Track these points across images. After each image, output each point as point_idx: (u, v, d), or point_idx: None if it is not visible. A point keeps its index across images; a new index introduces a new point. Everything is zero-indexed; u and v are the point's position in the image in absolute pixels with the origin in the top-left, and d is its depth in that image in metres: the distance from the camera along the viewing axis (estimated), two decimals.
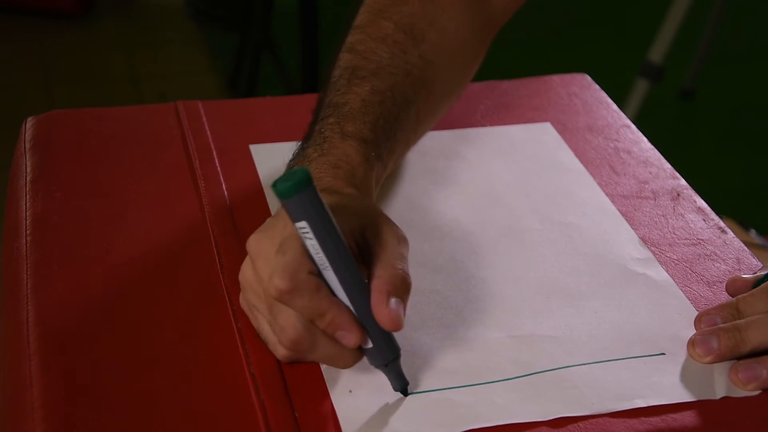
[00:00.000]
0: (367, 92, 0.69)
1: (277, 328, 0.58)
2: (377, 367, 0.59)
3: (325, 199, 0.57)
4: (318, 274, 0.57)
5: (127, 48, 2.57)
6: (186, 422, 0.56)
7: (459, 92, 0.81)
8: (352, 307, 0.58)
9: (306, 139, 0.69)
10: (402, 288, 0.58)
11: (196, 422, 0.56)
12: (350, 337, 0.57)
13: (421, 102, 0.73)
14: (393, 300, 0.57)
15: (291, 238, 0.57)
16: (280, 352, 0.60)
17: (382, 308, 0.57)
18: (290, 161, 0.68)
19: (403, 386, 0.59)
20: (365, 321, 0.58)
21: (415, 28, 0.74)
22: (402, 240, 0.60)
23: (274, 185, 0.55)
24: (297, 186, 0.55)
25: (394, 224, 0.61)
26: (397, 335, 0.59)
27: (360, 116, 0.68)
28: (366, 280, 0.58)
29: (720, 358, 0.62)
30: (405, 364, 0.60)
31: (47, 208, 0.72)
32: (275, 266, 0.56)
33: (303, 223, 0.56)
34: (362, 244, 0.60)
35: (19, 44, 2.53)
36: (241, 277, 0.62)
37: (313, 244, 0.56)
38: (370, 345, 0.58)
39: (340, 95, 0.70)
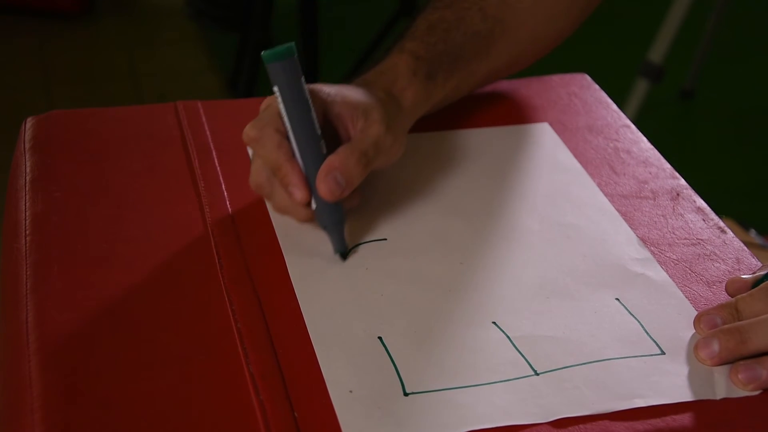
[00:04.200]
0: (436, 19, 0.78)
1: (252, 169, 0.70)
2: (321, 226, 0.69)
3: (335, 90, 0.70)
4: (285, 136, 0.68)
5: (127, 48, 2.57)
6: (186, 422, 0.56)
7: (554, 38, 0.86)
8: (305, 171, 0.68)
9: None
10: (348, 169, 0.67)
11: (196, 422, 0.56)
12: (297, 194, 0.67)
13: (495, 38, 0.81)
14: (335, 175, 0.67)
15: (274, 100, 0.69)
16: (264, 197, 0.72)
17: (321, 179, 0.67)
18: None
19: (341, 249, 0.69)
20: (315, 186, 0.67)
21: None
22: (376, 138, 0.69)
23: (263, 53, 0.67)
24: (276, 55, 0.66)
25: (383, 126, 0.70)
26: (400, 335, 0.60)
27: (420, 37, 0.77)
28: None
29: (722, 361, 0.62)
30: (406, 362, 0.60)
31: (47, 208, 0.72)
32: (256, 118, 0.69)
33: (275, 88, 0.67)
34: (345, 130, 0.70)
35: (19, 44, 2.53)
36: None
37: (281, 107, 0.67)
38: (315, 205, 0.68)
39: (413, 21, 0.79)
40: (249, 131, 0.68)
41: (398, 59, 0.75)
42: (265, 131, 0.67)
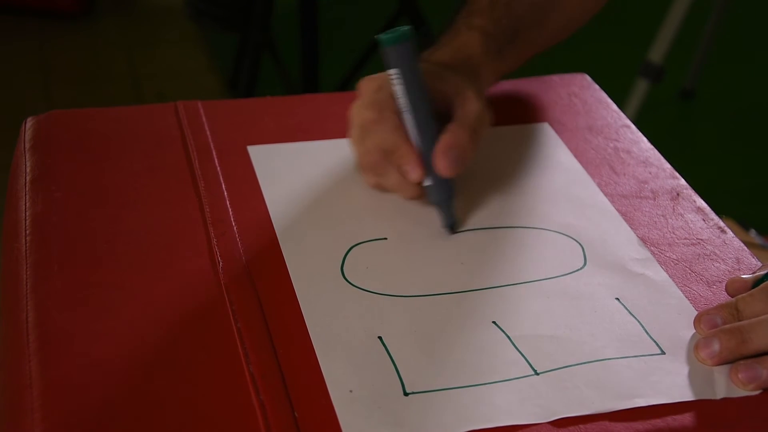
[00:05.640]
0: None
1: (363, 150, 0.72)
2: (432, 202, 0.72)
3: (433, 68, 0.73)
4: (400, 116, 0.71)
5: (127, 48, 2.57)
6: (186, 422, 0.56)
7: (590, 11, 0.89)
8: (420, 149, 0.71)
9: (445, 34, 0.80)
10: (463, 145, 0.71)
11: (196, 422, 0.56)
12: (412, 173, 0.71)
13: (550, 7, 0.84)
14: (452, 152, 0.70)
15: (387, 82, 0.72)
16: (367, 179, 0.74)
17: (441, 156, 0.70)
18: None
19: (450, 223, 0.72)
20: (429, 163, 0.71)
21: None
22: (479, 113, 0.73)
23: (380, 36, 0.69)
24: (395, 39, 0.69)
25: (481, 102, 0.73)
26: (400, 335, 0.60)
27: (487, 13, 0.79)
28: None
29: (722, 361, 0.62)
30: (406, 362, 0.60)
31: (47, 208, 0.72)
32: (369, 100, 0.72)
33: (394, 70, 0.70)
34: (448, 108, 0.72)
35: (19, 44, 2.53)
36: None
37: (399, 89, 0.70)
38: (429, 183, 0.71)
39: None
40: (365, 113, 0.71)
41: (469, 37, 0.77)
42: (384, 113, 0.71)
